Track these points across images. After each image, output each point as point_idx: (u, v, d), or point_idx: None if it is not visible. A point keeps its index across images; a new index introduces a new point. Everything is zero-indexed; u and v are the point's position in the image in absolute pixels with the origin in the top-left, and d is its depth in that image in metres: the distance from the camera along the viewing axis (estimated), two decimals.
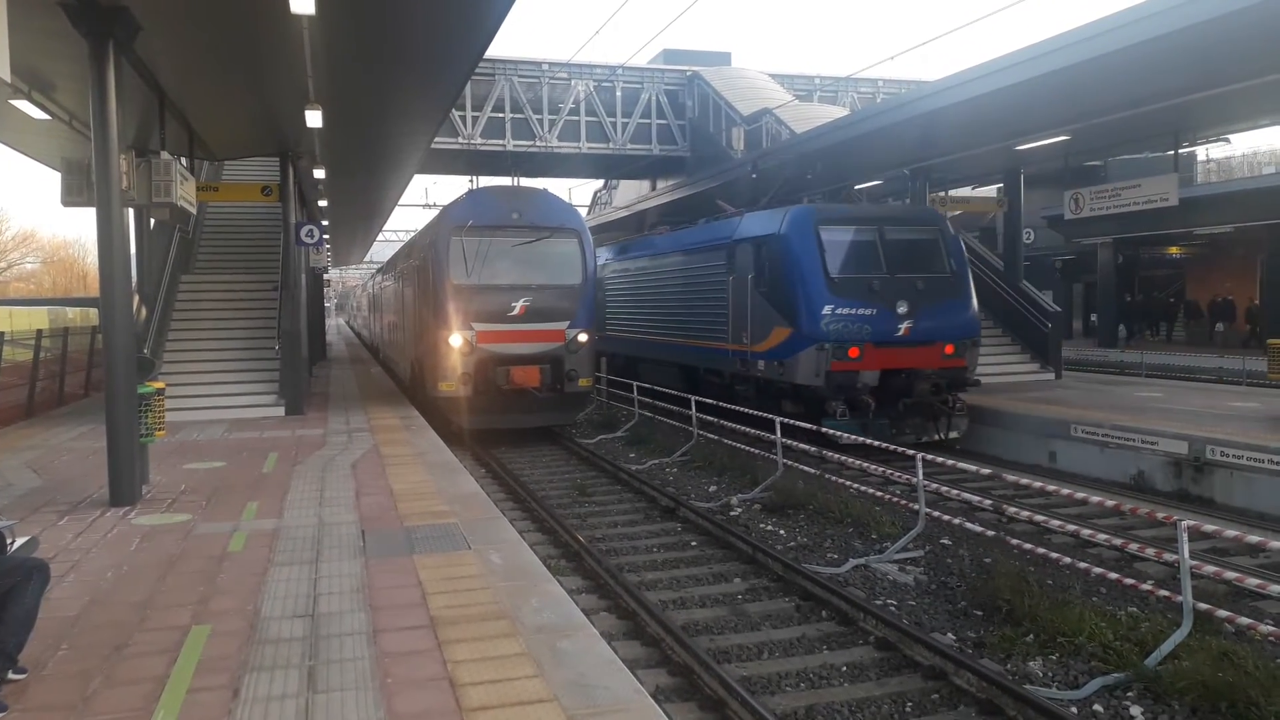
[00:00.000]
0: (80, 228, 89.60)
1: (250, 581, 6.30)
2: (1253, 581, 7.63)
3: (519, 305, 15.67)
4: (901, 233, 15.39)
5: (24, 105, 11.72)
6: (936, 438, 14.61)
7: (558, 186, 54.03)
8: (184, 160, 13.19)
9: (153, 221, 16.60)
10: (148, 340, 15.39)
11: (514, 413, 15.97)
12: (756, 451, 13.46)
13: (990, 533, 9.44)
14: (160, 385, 9.57)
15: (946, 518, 10.05)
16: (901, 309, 14.37)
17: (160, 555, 6.99)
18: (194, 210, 13.26)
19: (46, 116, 12.37)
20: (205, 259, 20.38)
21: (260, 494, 9.17)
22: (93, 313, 31.44)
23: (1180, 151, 17.72)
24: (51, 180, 14.22)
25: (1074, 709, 5.87)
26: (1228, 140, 27.51)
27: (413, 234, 25.85)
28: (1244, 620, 6.78)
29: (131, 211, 12.70)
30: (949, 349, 14.68)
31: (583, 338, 16.08)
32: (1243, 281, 30.73)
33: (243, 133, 15.83)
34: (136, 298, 13.04)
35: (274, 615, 5.61)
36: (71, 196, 11.56)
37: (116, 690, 4.57)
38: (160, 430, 9.42)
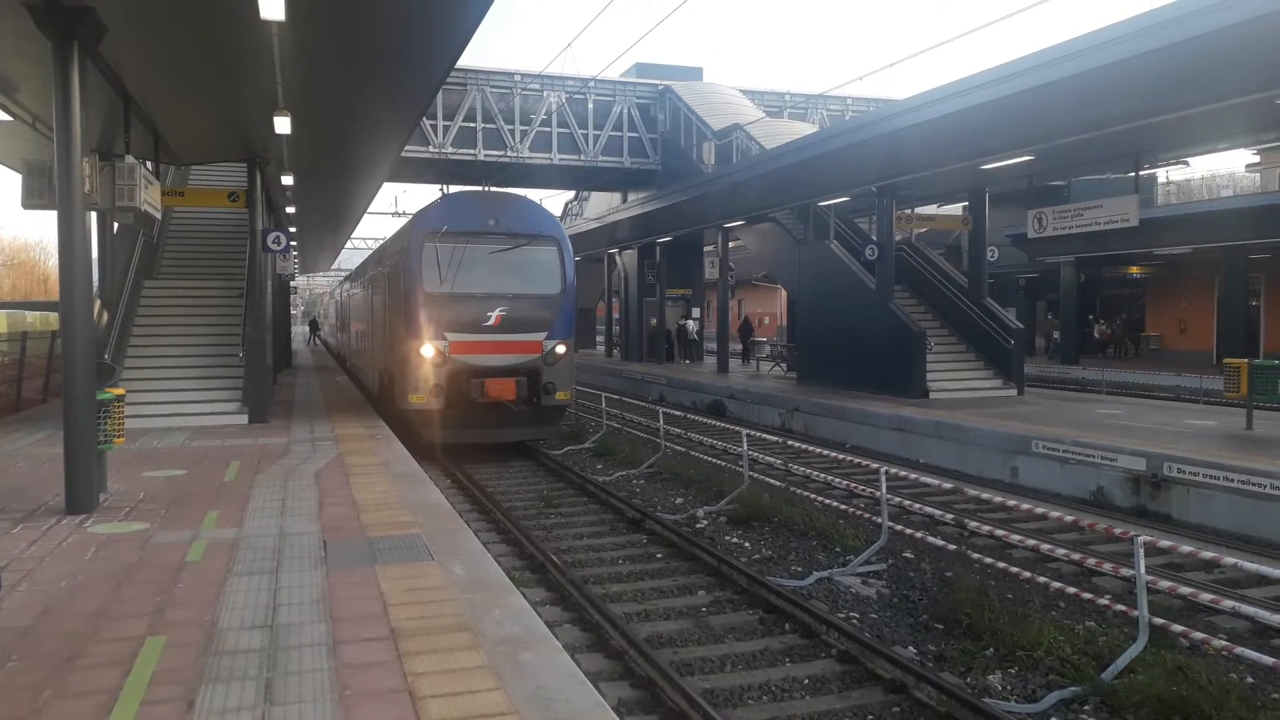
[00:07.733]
0: (42, 230, 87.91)
1: (208, 592, 6.20)
2: (1207, 596, 7.81)
3: (494, 315, 15.14)
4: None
5: None
6: None
7: (529, 197, 53.79)
8: (149, 164, 13.03)
9: (116, 225, 16.35)
10: (108, 346, 15.12)
11: (488, 426, 15.49)
12: (723, 464, 13.51)
13: (952, 547, 9.56)
14: (120, 391, 9.40)
15: (909, 531, 10.16)
16: None
17: (116, 565, 6.87)
18: (158, 215, 13.07)
19: (8, 118, 12.17)
20: (169, 264, 20.07)
21: (221, 503, 9.04)
22: (52, 317, 30.85)
23: (1141, 173, 18.07)
24: (12, 182, 13.99)
25: None
26: (1187, 163, 28.13)
27: (382, 242, 25.64)
28: (1198, 635, 6.93)
29: (94, 215, 12.52)
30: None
31: (561, 349, 15.61)
32: (1199, 300, 31.42)
33: (210, 137, 15.65)
34: (98, 302, 12.83)
35: (232, 626, 5.53)
36: (32, 199, 11.36)
37: (67, 703, 4.48)
38: (120, 437, 9.26)
